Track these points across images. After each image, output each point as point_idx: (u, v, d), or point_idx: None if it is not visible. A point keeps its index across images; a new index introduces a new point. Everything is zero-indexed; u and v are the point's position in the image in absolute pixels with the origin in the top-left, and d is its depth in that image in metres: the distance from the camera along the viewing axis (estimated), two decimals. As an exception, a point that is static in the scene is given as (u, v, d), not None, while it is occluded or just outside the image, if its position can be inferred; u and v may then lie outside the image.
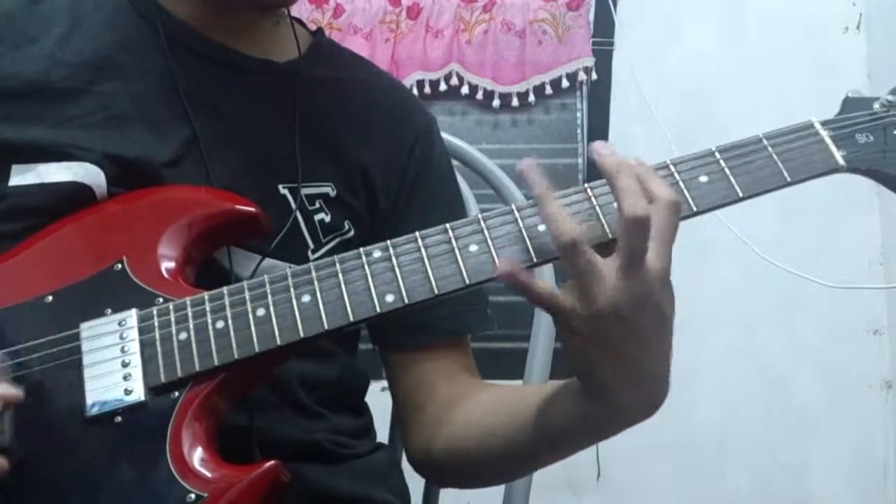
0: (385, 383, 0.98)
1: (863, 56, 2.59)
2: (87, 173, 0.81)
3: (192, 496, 0.67)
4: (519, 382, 1.11)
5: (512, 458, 0.83)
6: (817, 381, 2.59)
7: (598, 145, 0.70)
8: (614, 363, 0.68)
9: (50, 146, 0.81)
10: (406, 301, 0.70)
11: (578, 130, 2.79)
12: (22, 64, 0.85)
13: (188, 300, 0.74)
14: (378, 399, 1.00)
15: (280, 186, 0.87)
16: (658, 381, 0.70)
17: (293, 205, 0.87)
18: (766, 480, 2.59)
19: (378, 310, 0.71)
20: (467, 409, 0.88)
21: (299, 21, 0.98)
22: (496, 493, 1.06)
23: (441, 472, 0.93)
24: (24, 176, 0.81)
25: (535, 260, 0.71)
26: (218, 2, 0.89)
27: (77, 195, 0.80)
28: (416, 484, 1.02)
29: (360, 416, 0.97)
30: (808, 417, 2.59)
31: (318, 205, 0.89)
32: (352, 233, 0.90)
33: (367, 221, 0.91)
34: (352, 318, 0.71)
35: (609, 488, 2.58)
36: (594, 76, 2.69)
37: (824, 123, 0.75)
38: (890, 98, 0.77)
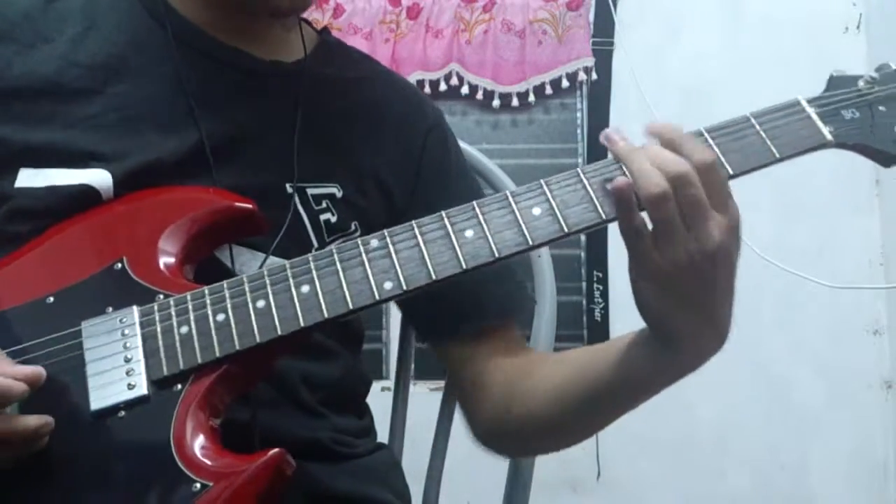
0: (385, 383, 0.99)
1: (863, 56, 2.60)
2: (94, 177, 0.81)
3: (198, 486, 0.67)
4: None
5: (586, 415, 0.85)
6: (817, 380, 2.60)
7: (609, 133, 0.72)
8: (687, 312, 0.71)
9: (61, 149, 0.82)
10: (404, 287, 0.71)
11: (578, 130, 2.79)
12: (35, 63, 0.85)
13: (188, 294, 0.74)
14: (378, 399, 1.00)
15: (287, 186, 0.88)
16: (723, 322, 0.73)
17: (299, 205, 0.87)
18: (766, 480, 2.59)
19: (377, 297, 0.71)
20: (536, 376, 0.90)
21: (306, 21, 0.99)
22: (496, 493, 1.06)
23: (516, 440, 0.94)
24: (31, 178, 0.82)
25: (530, 243, 0.72)
26: (231, 7, 0.89)
27: (84, 198, 0.81)
28: (416, 484, 1.02)
29: (362, 416, 0.97)
30: (808, 417, 2.60)
31: (324, 205, 0.89)
32: (358, 233, 0.91)
33: (380, 221, 0.92)
34: (351, 306, 0.71)
35: (609, 488, 2.58)
36: (594, 76, 2.70)
37: (811, 101, 0.77)
38: (874, 75, 0.79)
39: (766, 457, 2.60)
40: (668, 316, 0.72)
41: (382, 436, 1.02)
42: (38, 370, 0.69)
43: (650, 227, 0.70)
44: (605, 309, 2.65)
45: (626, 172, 0.71)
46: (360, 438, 0.94)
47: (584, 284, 2.70)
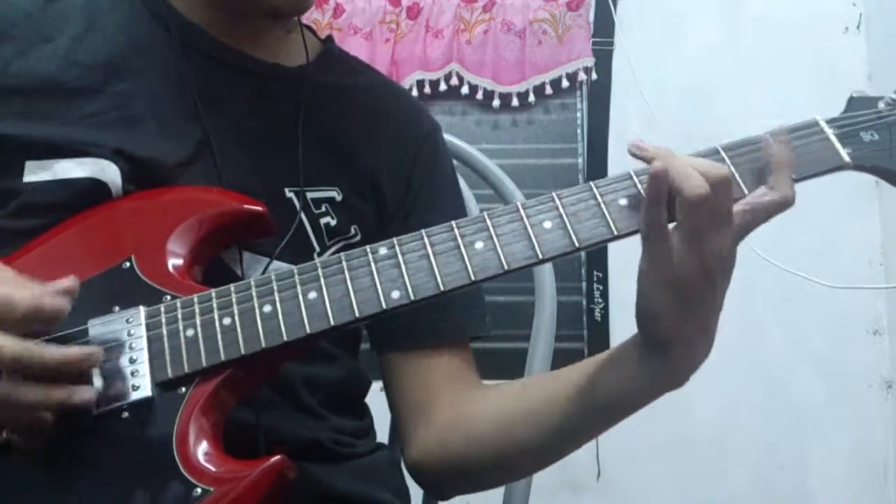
0: (386, 383, 0.98)
1: (863, 56, 2.60)
2: (102, 170, 0.81)
3: (199, 490, 0.67)
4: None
5: (554, 439, 0.83)
6: (817, 380, 2.59)
7: (638, 142, 0.72)
8: (690, 318, 0.71)
9: (64, 143, 0.82)
10: (412, 297, 0.71)
11: (578, 130, 2.79)
12: (36, 62, 0.85)
13: (195, 297, 0.74)
14: (378, 399, 1.00)
15: (286, 190, 0.88)
16: (714, 329, 0.73)
17: (298, 208, 0.87)
18: (766, 480, 2.59)
19: (384, 306, 0.71)
20: (486, 404, 0.89)
21: (310, 28, 0.99)
22: (496, 493, 1.06)
23: (459, 467, 0.90)
24: (38, 173, 0.81)
25: (540, 257, 0.71)
26: (232, 8, 0.89)
27: (93, 191, 0.81)
28: (416, 484, 1.02)
29: (362, 416, 0.97)
30: (807, 417, 2.59)
31: (324, 209, 0.89)
32: (358, 237, 0.91)
33: (374, 225, 0.92)
34: (358, 315, 0.71)
35: (609, 488, 2.58)
36: (594, 76, 2.70)
37: (830, 122, 0.76)
38: (894, 97, 0.77)
39: (765, 457, 2.59)
40: (668, 322, 0.71)
41: (382, 436, 1.02)
42: (71, 282, 0.69)
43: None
44: (605, 309, 2.65)
45: (640, 187, 0.70)
46: (360, 439, 0.94)
47: (584, 284, 2.69)
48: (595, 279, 2.67)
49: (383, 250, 0.73)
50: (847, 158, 0.74)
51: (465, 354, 0.96)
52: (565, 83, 2.68)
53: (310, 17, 2.59)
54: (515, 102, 2.69)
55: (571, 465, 2.56)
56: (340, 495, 0.88)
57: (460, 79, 2.67)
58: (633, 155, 0.71)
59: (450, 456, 0.90)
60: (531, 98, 2.69)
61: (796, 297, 2.55)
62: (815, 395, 2.60)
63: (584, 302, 2.69)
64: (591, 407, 0.79)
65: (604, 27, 2.73)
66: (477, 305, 0.97)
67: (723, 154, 0.74)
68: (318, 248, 0.88)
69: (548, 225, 0.71)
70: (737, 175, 0.72)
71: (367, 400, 0.99)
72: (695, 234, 0.68)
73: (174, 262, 0.78)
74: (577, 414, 0.79)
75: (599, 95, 2.71)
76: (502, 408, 0.86)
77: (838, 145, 0.75)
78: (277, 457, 0.68)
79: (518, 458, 0.86)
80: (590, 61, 2.68)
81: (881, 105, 0.77)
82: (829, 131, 0.75)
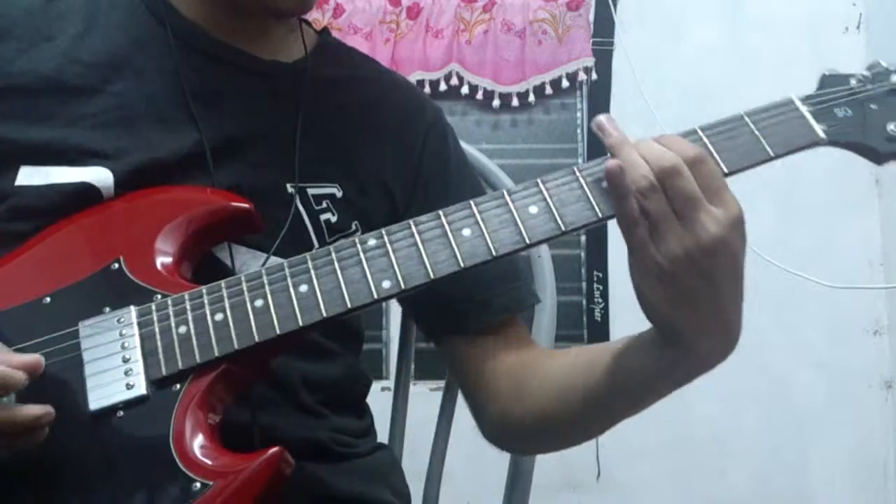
0: (385, 383, 0.99)
1: (863, 56, 2.60)
2: (95, 174, 0.81)
3: (198, 485, 0.67)
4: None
5: (590, 413, 0.84)
6: (817, 380, 2.60)
7: (602, 122, 0.73)
8: (689, 309, 0.70)
9: (61, 147, 0.82)
10: (402, 286, 0.71)
11: (578, 130, 2.79)
12: (37, 61, 0.85)
13: (186, 294, 0.74)
14: (378, 399, 1.00)
15: (288, 186, 0.88)
16: (731, 324, 0.72)
17: (300, 205, 0.87)
18: (766, 480, 2.59)
19: (375, 296, 0.72)
20: (541, 371, 0.90)
21: (306, 21, 0.99)
22: (496, 493, 1.06)
23: (521, 436, 0.93)
24: (31, 177, 0.81)
25: (527, 242, 0.72)
26: (232, 7, 0.89)
27: (84, 196, 0.81)
28: (416, 484, 1.02)
29: (362, 416, 0.97)
30: (808, 417, 2.60)
31: (324, 205, 0.89)
32: (359, 233, 0.91)
33: (381, 220, 0.92)
34: (349, 305, 0.71)
35: (609, 488, 2.58)
36: (594, 76, 2.70)
37: (804, 99, 0.77)
38: (866, 73, 0.79)
39: (765, 456, 2.60)
40: (669, 313, 0.71)
41: (382, 436, 1.02)
42: (36, 358, 0.69)
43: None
44: (605, 309, 2.65)
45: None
46: (360, 438, 0.94)
47: (584, 284, 2.70)
48: (595, 279, 2.67)
49: (372, 241, 0.73)
50: (822, 134, 0.75)
51: (519, 325, 0.98)
52: (565, 83, 2.68)
53: (309, 16, 2.58)
54: (515, 102, 2.70)
55: (571, 464, 2.57)
56: (340, 495, 0.88)
57: (460, 79, 2.67)
58: (596, 133, 0.73)
59: (513, 427, 0.92)
60: (531, 98, 2.69)
61: (796, 297, 2.55)
62: (816, 394, 2.60)
63: (584, 302, 2.69)
64: (620, 384, 0.79)
65: (604, 27, 2.73)
66: (519, 276, 0.98)
67: (700, 134, 0.74)
68: (317, 244, 0.88)
69: (533, 210, 0.72)
70: (715, 154, 0.73)
71: (368, 400, 0.99)
72: (659, 222, 0.68)
73: (163, 260, 0.78)
74: (608, 389, 0.80)
75: (599, 95, 2.72)
76: (561, 371, 0.88)
77: (813, 122, 0.76)
78: (275, 449, 0.69)
79: (573, 425, 0.87)
80: (590, 61, 2.68)
81: (853, 82, 0.79)
82: (804, 109, 0.76)
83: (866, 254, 2.65)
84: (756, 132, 0.75)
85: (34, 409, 0.67)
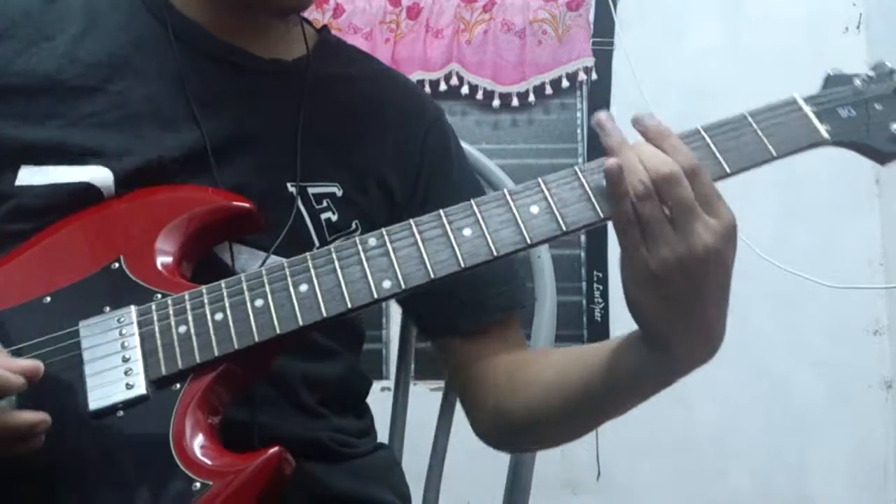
0: (385, 383, 0.99)
1: (863, 56, 2.60)
2: (95, 174, 0.81)
3: (198, 485, 0.67)
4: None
5: (579, 410, 0.85)
6: (817, 380, 2.60)
7: (603, 120, 0.73)
8: (674, 313, 0.70)
9: (61, 146, 0.82)
10: (403, 286, 0.71)
11: (578, 130, 2.79)
12: (37, 61, 0.85)
13: (186, 294, 0.74)
14: (378, 399, 1.00)
15: (288, 185, 0.88)
16: (714, 330, 0.72)
17: (300, 204, 0.87)
18: (766, 480, 2.59)
19: (375, 296, 0.72)
20: (535, 367, 0.91)
21: (305, 19, 0.99)
22: (496, 493, 1.06)
23: (512, 431, 0.94)
24: (32, 176, 0.82)
25: (528, 242, 0.72)
26: (233, 6, 0.89)
27: (84, 196, 0.81)
28: (416, 484, 1.02)
29: (362, 416, 0.97)
30: (808, 417, 2.60)
31: (325, 204, 0.89)
32: (359, 232, 0.91)
33: (381, 218, 0.92)
34: (350, 305, 0.71)
35: (609, 488, 2.58)
36: (594, 76, 2.70)
37: (807, 99, 0.77)
38: (870, 73, 0.79)
39: (765, 456, 2.60)
40: (654, 315, 0.71)
41: (382, 436, 1.02)
42: (36, 363, 0.68)
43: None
44: (605, 309, 2.65)
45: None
46: (360, 438, 0.94)
47: (584, 284, 2.70)
48: (595, 279, 2.67)
49: (372, 241, 0.73)
50: (825, 135, 0.75)
51: (515, 326, 0.99)
52: (565, 83, 2.68)
53: (310, 16, 2.58)
54: (515, 102, 2.70)
55: (571, 464, 2.57)
56: (340, 495, 0.88)
57: (460, 79, 2.67)
58: (596, 130, 0.73)
59: (508, 425, 0.92)
60: (531, 98, 2.69)
61: (796, 297, 2.55)
62: (816, 394, 2.60)
63: (584, 302, 2.69)
64: (609, 383, 0.80)
65: (604, 27, 2.73)
66: (514, 277, 0.99)
67: (703, 134, 0.74)
68: (317, 243, 0.88)
69: (535, 210, 0.72)
70: (718, 154, 0.73)
71: (368, 400, 1.00)
72: (652, 228, 0.68)
73: (163, 260, 0.78)
74: (599, 388, 0.81)
75: (599, 95, 2.71)
76: (552, 370, 0.88)
77: (816, 122, 0.76)
78: (275, 448, 0.69)
79: (566, 422, 0.88)
80: (590, 61, 2.68)
81: (857, 82, 0.79)
82: (807, 109, 0.76)
83: (866, 254, 2.65)
84: (759, 132, 0.75)
85: (30, 417, 0.66)
